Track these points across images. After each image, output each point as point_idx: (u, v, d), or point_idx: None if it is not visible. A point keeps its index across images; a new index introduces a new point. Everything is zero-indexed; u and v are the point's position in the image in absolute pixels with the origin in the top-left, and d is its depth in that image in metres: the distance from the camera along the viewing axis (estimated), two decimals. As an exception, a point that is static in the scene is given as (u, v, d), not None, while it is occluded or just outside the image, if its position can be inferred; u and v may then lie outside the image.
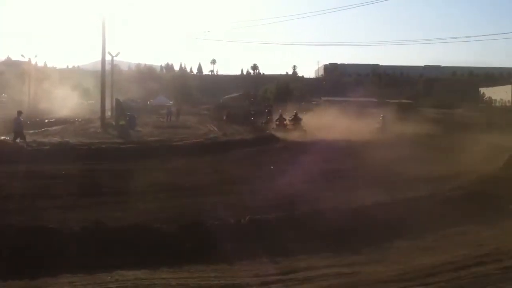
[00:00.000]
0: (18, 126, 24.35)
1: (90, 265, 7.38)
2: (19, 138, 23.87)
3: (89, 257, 7.66)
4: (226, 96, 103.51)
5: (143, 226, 8.82)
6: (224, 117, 51.63)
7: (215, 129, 39.11)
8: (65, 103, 65.50)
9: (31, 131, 31.51)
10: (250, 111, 55.14)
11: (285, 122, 36.28)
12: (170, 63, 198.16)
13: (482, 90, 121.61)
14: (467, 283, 6.82)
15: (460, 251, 8.29)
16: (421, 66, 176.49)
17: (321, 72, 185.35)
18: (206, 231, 8.69)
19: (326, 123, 35.83)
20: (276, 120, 37.42)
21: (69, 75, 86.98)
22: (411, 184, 13.83)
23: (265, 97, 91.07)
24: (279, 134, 31.67)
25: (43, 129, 34.85)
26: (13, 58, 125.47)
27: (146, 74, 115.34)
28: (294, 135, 31.50)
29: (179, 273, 7.30)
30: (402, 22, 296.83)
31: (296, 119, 36.40)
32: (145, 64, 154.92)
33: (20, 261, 7.39)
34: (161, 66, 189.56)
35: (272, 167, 18.83)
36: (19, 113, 25.21)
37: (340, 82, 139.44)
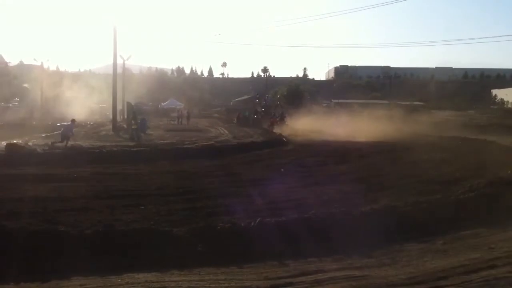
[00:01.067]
0: (67, 131, 26.51)
1: (101, 267, 7.43)
2: (65, 141, 25.57)
3: (100, 259, 7.71)
4: (236, 99, 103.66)
5: (153, 229, 8.87)
6: (235, 120, 51.83)
7: (226, 132, 39.23)
8: (77, 106, 66.03)
9: (43, 134, 31.81)
10: (257, 110, 56.58)
11: (273, 120, 45.94)
12: (181, 66, 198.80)
13: (494, 91, 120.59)
14: (478, 286, 6.77)
15: (472, 254, 8.23)
16: (432, 68, 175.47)
17: (332, 74, 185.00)
18: (217, 234, 8.71)
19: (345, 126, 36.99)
20: (270, 118, 47.38)
21: (81, 79, 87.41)
22: (424, 187, 13.75)
23: (275, 99, 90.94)
24: (271, 128, 40.40)
25: (55, 132, 35.10)
26: (26, 62, 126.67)
27: (157, 78, 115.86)
28: (281, 129, 38.89)
29: (189, 276, 7.32)
30: (413, 24, 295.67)
31: (282, 118, 47.05)
32: (156, 68, 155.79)
33: (32, 264, 7.46)
34: (172, 69, 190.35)
35: (282, 169, 18.83)
36: (73, 121, 28.40)
37: (350, 84, 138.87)
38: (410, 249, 8.69)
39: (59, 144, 25.23)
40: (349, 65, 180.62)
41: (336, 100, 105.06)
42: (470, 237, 9.41)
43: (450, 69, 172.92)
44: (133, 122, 33.04)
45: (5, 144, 24.07)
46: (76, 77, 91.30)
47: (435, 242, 9.08)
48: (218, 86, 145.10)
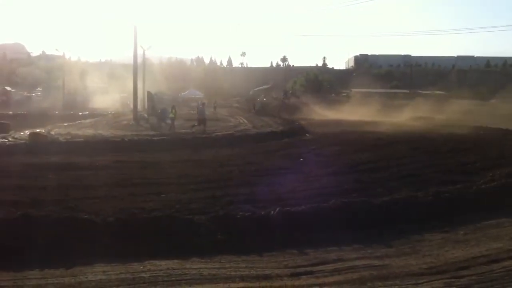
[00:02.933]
0: (201, 113, 29.88)
1: (123, 254, 7.56)
2: (202, 124, 28.81)
3: (122, 247, 7.84)
4: (256, 89, 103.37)
5: (174, 216, 8.97)
6: (253, 110, 51.86)
7: (245, 121, 39.30)
8: (98, 96, 66.76)
9: (65, 124, 32.27)
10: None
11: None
12: (200, 56, 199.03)
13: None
14: (500, 276, 6.73)
15: (493, 244, 8.17)
16: (453, 57, 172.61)
17: (352, 63, 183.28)
18: (237, 222, 8.78)
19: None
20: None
21: (102, 69, 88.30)
22: (444, 176, 13.62)
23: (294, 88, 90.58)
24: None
25: (77, 122, 35.61)
26: (48, 52, 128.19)
27: (177, 67, 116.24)
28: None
29: (210, 263, 7.41)
30: (434, 12, 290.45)
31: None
32: (176, 58, 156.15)
33: (56, 251, 7.61)
34: (191, 59, 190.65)
35: (301, 159, 18.81)
36: (203, 104, 32.62)
37: (370, 73, 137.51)
38: (431, 239, 8.65)
39: (199, 128, 28.73)
40: (369, 54, 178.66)
41: (356, 90, 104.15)
42: (491, 227, 9.32)
43: (472, 57, 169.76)
44: (169, 111, 32.92)
45: (28, 133, 24.53)
46: (98, 67, 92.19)
47: (456, 232, 9.02)
48: (237, 75, 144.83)
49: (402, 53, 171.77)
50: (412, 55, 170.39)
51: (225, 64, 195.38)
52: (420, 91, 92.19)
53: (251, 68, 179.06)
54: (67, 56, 73.07)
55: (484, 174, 13.33)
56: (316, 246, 8.18)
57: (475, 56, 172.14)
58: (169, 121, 32.60)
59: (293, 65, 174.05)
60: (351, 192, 11.73)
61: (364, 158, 17.89)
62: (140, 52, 46.45)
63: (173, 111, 32.30)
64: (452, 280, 6.64)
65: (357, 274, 6.97)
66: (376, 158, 17.74)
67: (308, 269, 7.21)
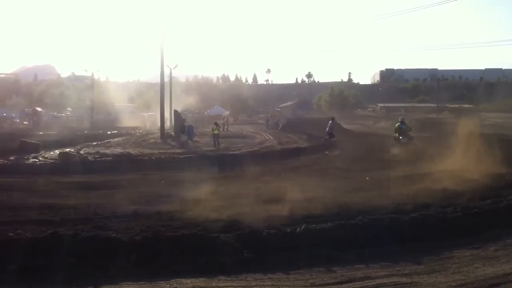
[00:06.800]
0: (330, 128, 32.28)
1: (150, 273, 7.60)
2: (331, 138, 31.89)
3: (149, 265, 7.89)
4: (282, 105, 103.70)
5: (201, 235, 8.98)
6: (280, 126, 51.96)
7: (271, 137, 39.34)
8: (126, 115, 67.82)
9: (94, 143, 32.82)
10: None
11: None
12: (226, 74, 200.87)
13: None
14: (532, 294, 6.55)
15: (525, 261, 7.95)
16: (481, 69, 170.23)
17: (377, 78, 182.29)
18: (263, 239, 8.74)
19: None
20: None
21: (130, 88, 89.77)
22: (475, 191, 13.36)
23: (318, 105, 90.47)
24: None
25: (105, 141, 36.17)
26: (77, 73, 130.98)
27: (203, 85, 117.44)
28: None
29: (236, 281, 7.38)
30: (460, 25, 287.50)
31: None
32: (202, 76, 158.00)
33: (84, 269, 7.69)
34: (217, 77, 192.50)
35: (327, 174, 18.69)
36: (333, 118, 34.47)
37: (396, 87, 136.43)
38: (460, 256, 8.46)
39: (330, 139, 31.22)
40: (395, 68, 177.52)
41: (382, 104, 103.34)
42: (523, 243, 9.08)
43: (500, 70, 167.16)
44: (214, 128, 33.11)
45: (58, 152, 25.03)
46: (126, 86, 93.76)
47: (486, 248, 8.80)
48: (262, 92, 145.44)
49: (429, 67, 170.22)
50: (439, 68, 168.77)
51: (250, 81, 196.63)
52: (447, 105, 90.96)
53: (276, 84, 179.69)
54: (95, 77, 74.34)
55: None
56: (343, 263, 8.08)
57: (503, 68, 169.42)
58: (196, 139, 32.92)
59: (318, 81, 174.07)
60: (379, 208, 11.58)
61: (392, 173, 17.67)
62: (167, 71, 47.19)
63: (216, 128, 32.41)
64: (483, 298, 6.49)
65: (385, 292, 6.86)
66: (404, 173, 17.50)
67: (335, 287, 7.13)
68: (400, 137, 26.82)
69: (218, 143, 31.12)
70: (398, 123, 28.14)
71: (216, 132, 32.17)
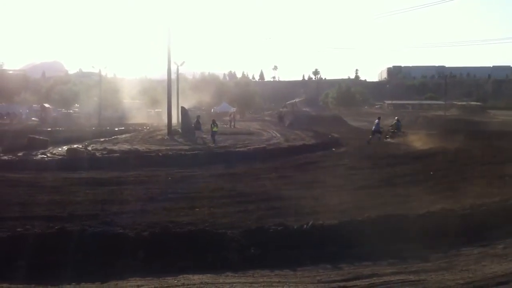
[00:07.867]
0: (377, 126, 32.51)
1: (157, 268, 7.63)
2: (378, 136, 32.05)
3: (156, 261, 7.91)
4: (289, 102, 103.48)
5: (208, 231, 8.99)
6: (287, 123, 51.96)
7: (278, 135, 39.28)
8: (134, 112, 67.97)
9: (102, 139, 32.91)
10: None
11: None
12: (232, 71, 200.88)
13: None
14: (541, 292, 6.50)
15: (534, 259, 7.89)
16: (489, 67, 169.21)
17: (384, 75, 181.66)
18: (269, 236, 8.75)
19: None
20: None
21: (137, 85, 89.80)
22: (482, 189, 13.30)
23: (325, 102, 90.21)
24: None
25: (113, 137, 36.24)
26: (84, 70, 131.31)
27: (210, 82, 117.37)
28: None
29: (243, 277, 7.38)
30: (468, 22, 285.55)
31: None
32: (209, 72, 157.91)
33: (91, 265, 7.73)
34: (224, 74, 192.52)
35: (334, 172, 18.67)
36: (379, 118, 34.03)
37: (404, 85, 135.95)
38: (468, 253, 8.42)
39: (374, 139, 31.41)
40: (402, 65, 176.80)
41: (389, 101, 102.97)
42: (531, 241, 9.02)
43: (509, 67, 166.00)
44: (212, 125, 33.02)
45: (66, 149, 25.13)
46: (133, 83, 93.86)
47: (494, 246, 8.74)
48: (269, 89, 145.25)
49: (436, 64, 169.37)
50: (446, 65, 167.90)
51: (257, 78, 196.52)
52: (455, 102, 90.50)
53: (282, 81, 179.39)
54: (103, 73, 74.47)
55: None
56: (350, 260, 8.07)
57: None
58: (203, 135, 32.85)
59: (325, 78, 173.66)
60: (386, 205, 11.57)
61: (400, 170, 17.63)
62: (174, 68, 47.23)
63: (215, 125, 32.45)
64: (491, 295, 6.45)
65: (392, 290, 6.83)
66: (411, 171, 17.46)
67: (342, 284, 7.10)
68: (396, 131, 34.13)
69: (215, 140, 31.12)
70: (395, 121, 35.71)
71: (215, 129, 32.29)
